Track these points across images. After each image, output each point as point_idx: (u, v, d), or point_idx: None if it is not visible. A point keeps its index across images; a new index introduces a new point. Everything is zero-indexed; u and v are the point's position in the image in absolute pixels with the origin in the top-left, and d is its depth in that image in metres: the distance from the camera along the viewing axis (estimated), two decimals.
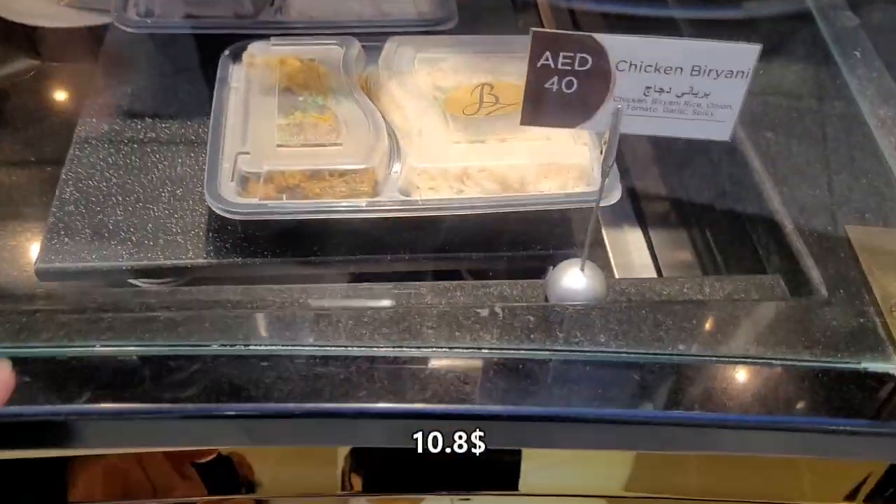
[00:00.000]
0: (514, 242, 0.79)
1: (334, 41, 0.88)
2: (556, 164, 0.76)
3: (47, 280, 0.75)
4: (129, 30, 0.89)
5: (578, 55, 0.56)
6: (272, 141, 0.77)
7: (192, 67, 0.92)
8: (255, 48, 0.86)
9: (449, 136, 0.80)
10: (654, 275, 0.81)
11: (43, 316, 0.60)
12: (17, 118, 0.98)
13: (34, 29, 1.08)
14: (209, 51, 0.89)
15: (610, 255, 0.81)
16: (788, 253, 0.72)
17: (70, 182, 0.82)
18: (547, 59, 0.55)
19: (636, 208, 0.90)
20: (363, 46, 0.89)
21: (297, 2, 0.93)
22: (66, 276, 0.75)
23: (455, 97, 0.83)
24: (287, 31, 0.91)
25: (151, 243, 0.77)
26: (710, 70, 0.56)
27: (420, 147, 0.78)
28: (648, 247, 0.84)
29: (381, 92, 0.85)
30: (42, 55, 1.08)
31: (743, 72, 0.56)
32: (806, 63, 0.90)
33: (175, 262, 0.76)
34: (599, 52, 0.55)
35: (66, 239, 0.77)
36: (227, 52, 0.87)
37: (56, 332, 0.59)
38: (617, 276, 0.79)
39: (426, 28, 0.94)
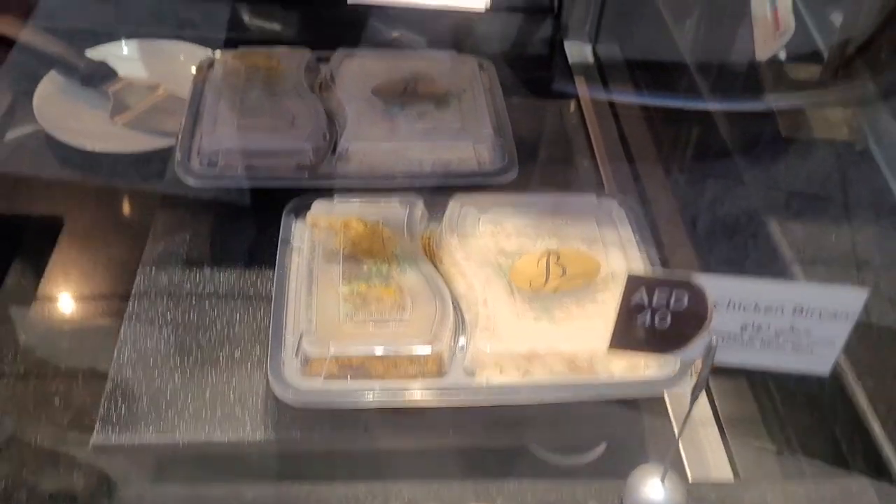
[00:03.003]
0: (582, 424, 0.77)
1: (397, 200, 0.86)
2: None
3: (104, 454, 0.73)
4: (192, 182, 0.88)
5: (674, 292, 0.54)
6: (337, 316, 0.75)
7: (253, 219, 0.92)
8: (318, 208, 0.85)
9: (515, 309, 0.78)
10: (729, 473, 0.78)
11: None
12: (75, 256, 0.97)
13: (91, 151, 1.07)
14: (271, 202, 0.88)
15: (682, 450, 0.78)
16: (875, 455, 0.69)
17: (128, 342, 0.81)
18: (641, 299, 0.53)
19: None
20: (426, 200, 0.88)
21: (358, 152, 0.92)
22: (122, 452, 0.73)
23: (520, 268, 0.81)
24: (348, 182, 0.90)
25: (209, 415, 0.75)
26: (814, 310, 0.54)
27: (486, 323, 0.76)
28: (721, 438, 0.81)
29: (445, 254, 0.84)
30: (99, 182, 1.08)
31: (848, 313, 0.54)
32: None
33: (232, 438, 0.74)
34: (696, 293, 0.53)
35: (123, 409, 0.75)
36: (289, 208, 0.86)
37: None
38: (691, 478, 0.76)
39: (488, 179, 0.93)
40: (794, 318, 0.54)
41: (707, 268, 0.93)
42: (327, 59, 1.06)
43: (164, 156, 1.05)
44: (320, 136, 0.93)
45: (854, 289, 0.53)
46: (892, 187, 0.97)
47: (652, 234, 0.85)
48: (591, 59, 1.46)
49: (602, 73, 1.40)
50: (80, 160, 1.09)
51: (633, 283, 0.53)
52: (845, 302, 0.53)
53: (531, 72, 1.33)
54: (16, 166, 1.10)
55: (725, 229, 1.00)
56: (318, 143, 0.92)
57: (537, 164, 1.04)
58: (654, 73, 1.34)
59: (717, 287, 0.53)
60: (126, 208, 1.06)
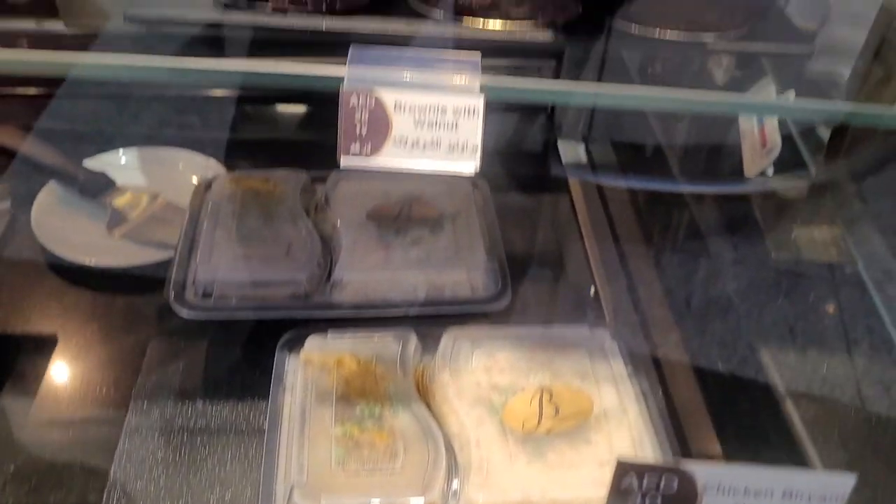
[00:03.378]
0: None
1: (391, 334, 0.87)
2: None
3: None
4: (186, 314, 0.89)
5: (664, 477, 0.54)
6: (328, 462, 0.75)
7: (247, 348, 0.92)
8: (312, 344, 0.85)
9: (508, 451, 0.78)
10: None
11: None
12: (67, 381, 0.97)
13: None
14: (265, 331, 0.89)
15: None
16: None
17: (118, 485, 0.80)
18: (630, 484, 0.53)
19: None
20: (420, 329, 0.88)
21: (353, 281, 0.92)
22: None
23: (513, 408, 0.81)
24: (342, 312, 0.91)
25: None
26: (802, 495, 0.54)
27: (479, 466, 0.76)
28: None
29: (437, 389, 0.84)
30: (95, 298, 1.08)
31: (836, 498, 0.54)
32: None
33: None
34: (686, 478, 0.54)
35: None
36: (282, 342, 0.87)
37: None
38: None
39: (481, 307, 0.94)
40: (783, 503, 0.54)
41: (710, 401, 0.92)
42: (323, 180, 1.07)
43: (161, 269, 1.05)
44: (315, 264, 0.93)
45: (842, 475, 0.53)
46: (879, 309, 0.98)
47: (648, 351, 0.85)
48: (584, 157, 1.48)
49: (595, 173, 1.42)
50: (77, 274, 1.09)
51: (623, 468, 0.53)
52: (833, 488, 0.53)
53: (525, 170, 1.35)
54: (12, 280, 1.11)
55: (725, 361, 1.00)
56: (312, 271, 0.93)
57: (531, 282, 1.04)
58: (645, 174, 1.35)
59: (706, 473, 0.53)
60: (120, 328, 1.06)
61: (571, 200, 1.31)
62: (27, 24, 1.18)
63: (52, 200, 1.19)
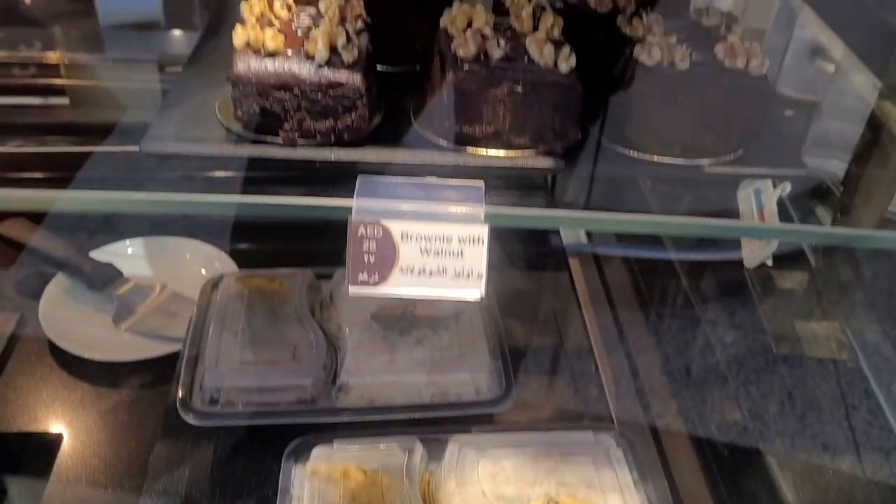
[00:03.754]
0: None
1: (397, 444, 0.87)
2: None
3: None
4: (192, 421, 0.89)
5: None
6: None
7: (252, 454, 0.92)
8: (318, 454, 0.86)
9: None
10: None
11: None
12: (71, 484, 0.97)
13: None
14: (271, 435, 0.89)
15: None
16: None
17: None
18: None
19: None
20: (425, 434, 0.89)
21: (358, 386, 0.93)
22: None
23: None
24: (347, 417, 0.91)
25: None
26: None
27: None
28: None
29: (443, 498, 0.84)
30: (101, 394, 1.08)
31: None
32: None
33: None
34: None
35: None
36: (288, 451, 0.87)
37: None
38: None
39: (486, 408, 0.94)
40: None
41: None
42: (328, 276, 1.08)
43: (168, 362, 1.06)
44: (320, 367, 0.94)
45: None
46: (882, 404, 0.99)
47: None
48: (583, 236, 1.50)
49: (595, 249, 1.43)
50: (84, 369, 1.10)
51: None
52: None
53: (525, 248, 1.36)
54: (19, 376, 1.11)
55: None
56: (318, 376, 0.93)
57: (534, 374, 1.05)
58: (645, 255, 1.37)
59: None
60: (127, 425, 1.06)
61: (572, 281, 1.32)
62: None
63: (60, 293, 1.20)
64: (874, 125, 0.97)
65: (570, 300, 1.29)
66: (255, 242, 1.33)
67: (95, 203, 0.65)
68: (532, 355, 1.14)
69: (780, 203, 1.06)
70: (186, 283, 1.20)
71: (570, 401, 1.06)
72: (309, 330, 0.99)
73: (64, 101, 1.40)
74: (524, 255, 1.36)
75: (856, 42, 1.05)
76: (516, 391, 0.96)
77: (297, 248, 1.29)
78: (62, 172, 1.34)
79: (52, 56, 1.40)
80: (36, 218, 1.24)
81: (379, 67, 0.84)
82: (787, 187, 0.83)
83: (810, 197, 0.94)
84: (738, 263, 1.15)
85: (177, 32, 1.43)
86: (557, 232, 1.46)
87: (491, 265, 0.88)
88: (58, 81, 1.41)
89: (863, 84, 1.02)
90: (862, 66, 1.04)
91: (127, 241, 1.30)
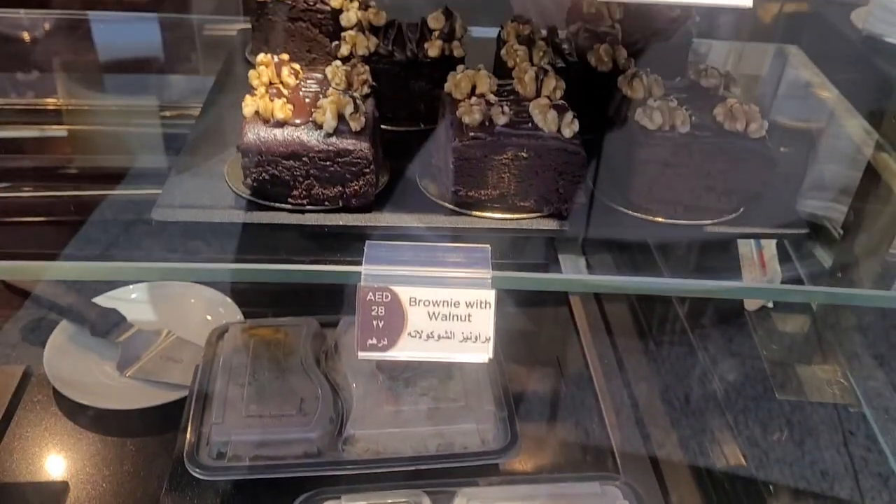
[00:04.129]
0: None
1: (404, 498, 0.88)
2: None
3: None
4: (199, 475, 0.90)
5: None
6: None
7: None
8: None
9: None
10: None
11: None
12: None
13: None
14: (279, 493, 0.90)
15: None
16: None
17: None
18: None
19: None
20: (431, 492, 0.89)
21: (364, 437, 0.94)
22: None
23: None
24: (354, 469, 0.92)
25: None
26: None
27: None
28: None
29: None
30: (106, 443, 1.08)
31: None
32: None
33: None
34: None
35: None
36: None
37: None
38: None
39: (492, 458, 0.95)
40: None
41: None
42: (333, 324, 1.09)
43: (174, 409, 1.06)
44: (327, 420, 0.95)
45: None
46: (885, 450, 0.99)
47: None
48: (584, 270, 1.50)
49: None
50: (89, 417, 1.10)
51: None
52: None
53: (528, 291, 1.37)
54: (26, 425, 1.11)
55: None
56: (324, 429, 0.94)
57: (540, 423, 1.06)
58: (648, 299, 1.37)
59: None
60: (132, 474, 1.06)
61: (572, 315, 1.33)
62: None
63: (65, 340, 1.21)
64: (870, 169, 0.98)
65: (571, 337, 1.30)
66: (259, 283, 1.33)
67: (102, 272, 0.66)
68: (535, 398, 1.14)
69: (780, 243, 1.07)
70: (191, 328, 1.21)
71: (574, 447, 1.07)
72: (315, 381, 0.99)
73: (64, 145, 1.41)
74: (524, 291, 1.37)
75: (847, 86, 1.07)
76: (522, 439, 0.97)
77: (301, 289, 1.30)
78: (65, 217, 1.36)
79: (51, 101, 1.41)
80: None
81: (383, 127, 0.85)
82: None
83: (809, 238, 0.95)
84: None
85: (177, 77, 1.44)
86: (557, 263, 1.46)
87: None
88: (57, 126, 1.41)
89: (855, 128, 1.04)
90: (854, 111, 1.06)
91: (131, 287, 1.30)
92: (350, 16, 0.89)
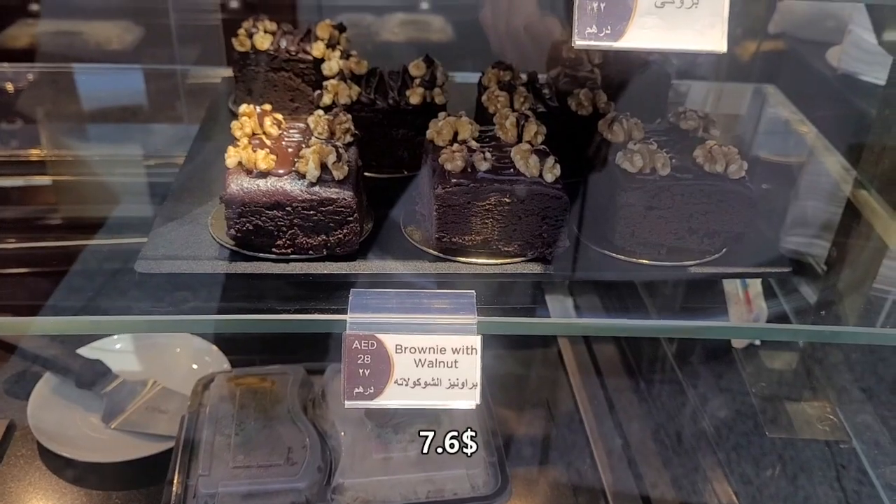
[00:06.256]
0: None
1: None
2: None
3: None
4: None
5: None
6: None
7: None
8: None
9: None
10: None
11: None
12: None
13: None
14: None
15: None
16: None
17: None
18: None
19: None
20: None
21: (353, 486, 0.93)
22: None
23: None
24: None
25: None
26: None
27: None
28: None
29: None
30: (91, 496, 1.06)
31: None
32: None
33: None
34: None
35: None
36: None
37: None
38: None
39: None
40: None
41: None
42: (321, 371, 1.08)
43: (160, 460, 1.05)
44: (315, 468, 0.94)
45: None
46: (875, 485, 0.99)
47: None
48: (572, 310, 1.50)
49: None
50: (74, 470, 1.09)
51: None
52: None
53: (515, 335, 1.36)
54: (10, 480, 1.10)
55: None
56: (312, 478, 0.93)
57: (531, 467, 1.05)
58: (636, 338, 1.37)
59: None
60: None
61: (561, 357, 1.32)
62: None
63: (48, 392, 1.19)
64: (850, 206, 1.00)
65: (560, 379, 1.30)
66: (244, 334, 1.32)
67: (86, 326, 0.65)
68: (526, 441, 1.14)
69: (765, 281, 1.08)
70: (177, 378, 1.20)
71: (566, 489, 1.06)
72: (302, 430, 0.99)
73: (48, 195, 1.41)
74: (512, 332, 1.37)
75: (825, 124, 1.09)
76: (513, 483, 0.96)
77: (288, 337, 1.29)
78: (49, 267, 1.34)
79: (35, 152, 1.41)
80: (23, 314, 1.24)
81: (367, 174, 0.86)
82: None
83: (793, 276, 0.95)
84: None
85: (161, 125, 1.44)
86: (545, 306, 1.47)
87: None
88: (41, 175, 1.41)
89: (834, 165, 1.05)
90: (832, 148, 1.07)
91: (115, 336, 1.29)
92: (332, 65, 0.89)
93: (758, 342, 1.17)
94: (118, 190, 1.39)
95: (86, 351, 1.24)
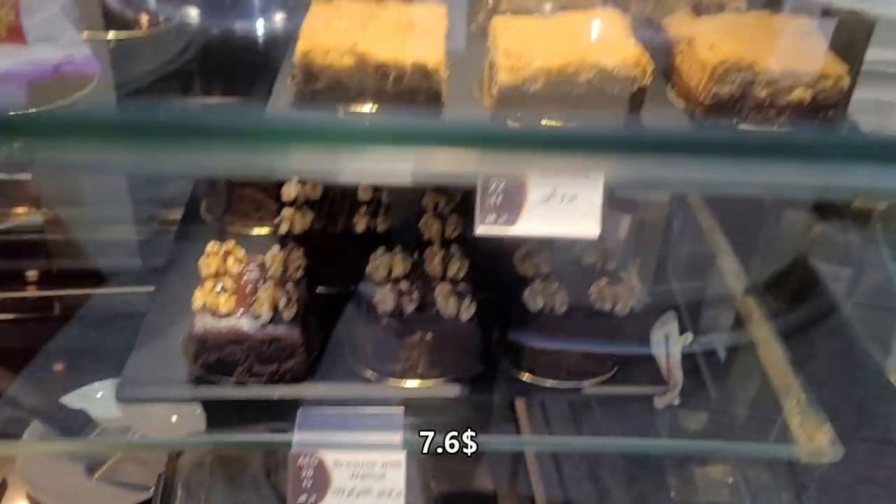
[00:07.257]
0: None
1: None
2: None
3: None
4: None
5: None
6: None
7: None
8: None
9: None
10: None
11: None
12: None
13: None
14: None
15: None
16: None
17: None
18: None
19: None
20: None
21: None
22: None
23: None
24: None
25: None
26: None
27: None
28: None
29: None
30: None
31: None
32: None
33: None
34: None
35: None
36: None
37: None
38: None
39: None
40: None
41: None
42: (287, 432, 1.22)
43: None
44: None
45: None
46: None
47: None
48: None
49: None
50: None
51: None
52: None
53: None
54: None
55: None
56: None
57: None
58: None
59: None
60: None
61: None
62: None
63: (36, 441, 1.30)
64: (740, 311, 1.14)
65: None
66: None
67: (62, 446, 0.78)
68: None
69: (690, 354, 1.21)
70: (157, 426, 1.32)
71: None
72: (265, 497, 1.13)
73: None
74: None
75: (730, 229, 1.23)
76: None
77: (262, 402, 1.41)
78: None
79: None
80: (12, 364, 1.34)
81: (320, 289, 1.00)
82: (688, 338, 1.00)
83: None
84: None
85: None
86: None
87: None
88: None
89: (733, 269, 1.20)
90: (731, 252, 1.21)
91: (97, 384, 1.40)
92: (290, 190, 1.03)
93: (676, 402, 1.31)
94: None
95: (69, 399, 1.34)
